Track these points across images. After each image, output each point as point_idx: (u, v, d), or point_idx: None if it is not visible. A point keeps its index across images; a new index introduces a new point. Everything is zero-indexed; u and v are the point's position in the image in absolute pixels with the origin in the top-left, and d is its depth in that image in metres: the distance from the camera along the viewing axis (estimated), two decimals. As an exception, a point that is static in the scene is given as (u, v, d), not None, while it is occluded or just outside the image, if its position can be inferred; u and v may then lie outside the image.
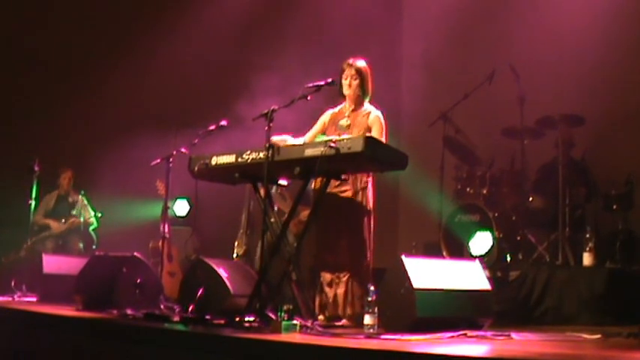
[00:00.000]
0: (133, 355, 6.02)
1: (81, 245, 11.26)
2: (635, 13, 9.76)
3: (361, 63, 7.21)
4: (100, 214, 11.40)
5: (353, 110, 7.25)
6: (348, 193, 7.04)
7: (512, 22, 10.80)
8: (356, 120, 7.18)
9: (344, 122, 7.22)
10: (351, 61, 7.22)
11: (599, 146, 9.76)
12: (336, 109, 7.37)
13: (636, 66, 9.67)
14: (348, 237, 7.01)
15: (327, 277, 7.07)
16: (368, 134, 6.69)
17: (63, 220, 11.24)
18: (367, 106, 7.24)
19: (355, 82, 7.17)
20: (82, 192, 11.38)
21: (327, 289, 7.02)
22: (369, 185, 7.07)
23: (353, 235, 7.01)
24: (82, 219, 11.26)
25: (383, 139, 6.94)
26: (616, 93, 9.75)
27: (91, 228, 11.43)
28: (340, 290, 6.94)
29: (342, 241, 7.03)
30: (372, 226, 7.07)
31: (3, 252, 10.47)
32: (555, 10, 10.42)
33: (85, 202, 11.36)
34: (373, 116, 7.13)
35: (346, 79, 7.19)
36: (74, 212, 11.30)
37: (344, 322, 6.83)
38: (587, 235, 8.52)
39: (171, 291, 8.86)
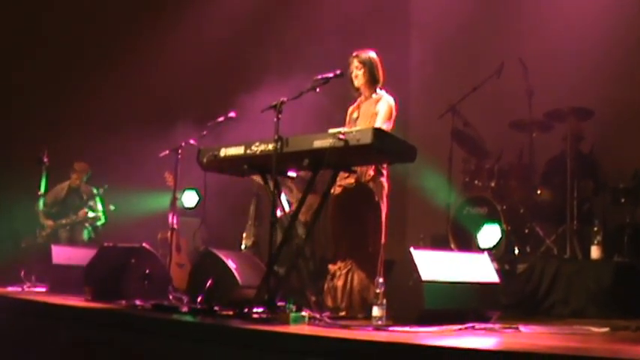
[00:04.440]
0: (142, 345, 6.04)
1: (85, 237, 11.29)
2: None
3: (364, 54, 7.23)
4: (113, 208, 11.42)
5: (365, 100, 7.28)
6: (352, 185, 7.07)
7: (522, 15, 10.79)
8: (365, 110, 7.21)
9: (355, 115, 7.26)
10: (354, 54, 7.25)
11: (608, 139, 9.74)
12: (355, 104, 7.40)
13: (646, 59, 9.67)
14: (348, 227, 7.06)
15: (331, 268, 7.12)
16: (376, 126, 6.68)
17: (64, 220, 11.25)
18: (378, 93, 7.23)
19: (360, 73, 7.20)
20: (97, 188, 11.43)
21: (334, 280, 7.04)
22: (381, 178, 7.06)
23: (353, 225, 7.03)
24: (90, 213, 11.29)
25: (387, 125, 6.97)
26: (625, 86, 9.73)
27: (98, 223, 11.45)
28: (339, 282, 6.98)
29: (344, 231, 7.09)
30: (380, 218, 7.03)
31: (14, 240, 10.50)
32: (564, 2, 10.39)
33: (97, 196, 11.40)
34: (381, 102, 7.14)
35: (352, 72, 7.22)
36: (88, 204, 11.35)
37: (342, 314, 6.84)
38: (595, 229, 8.52)
39: (179, 282, 8.90)
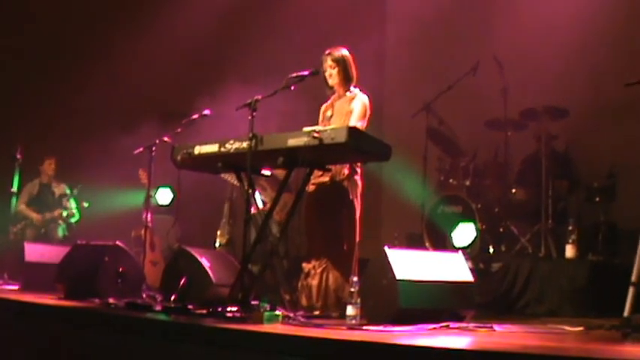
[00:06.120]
0: (115, 344, 6.00)
1: (60, 234, 11.22)
2: (618, 7, 9.76)
3: (337, 52, 7.20)
4: (87, 204, 11.35)
5: (338, 99, 7.26)
6: (327, 183, 7.06)
7: (497, 13, 10.78)
8: (339, 108, 7.20)
9: (329, 113, 7.24)
10: (327, 52, 7.23)
11: (582, 138, 9.76)
12: (328, 102, 7.38)
13: (619, 59, 9.66)
14: (323, 226, 7.05)
15: (305, 267, 7.11)
16: (351, 125, 6.66)
17: (46, 213, 11.20)
18: (352, 91, 7.22)
19: (334, 71, 7.18)
20: (70, 188, 11.37)
21: (308, 279, 7.03)
22: (355, 177, 7.05)
23: (328, 224, 7.02)
24: (64, 212, 11.24)
25: (362, 123, 6.97)
26: (599, 85, 9.74)
27: (72, 220, 11.39)
28: (314, 282, 6.96)
29: (318, 230, 7.08)
30: (355, 217, 7.03)
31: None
32: (540, 2, 10.41)
33: (69, 194, 11.34)
34: (355, 100, 7.13)
35: (326, 70, 7.20)
36: (62, 205, 11.31)
37: (316, 313, 6.82)
38: (570, 227, 8.52)
39: (153, 280, 8.86)
